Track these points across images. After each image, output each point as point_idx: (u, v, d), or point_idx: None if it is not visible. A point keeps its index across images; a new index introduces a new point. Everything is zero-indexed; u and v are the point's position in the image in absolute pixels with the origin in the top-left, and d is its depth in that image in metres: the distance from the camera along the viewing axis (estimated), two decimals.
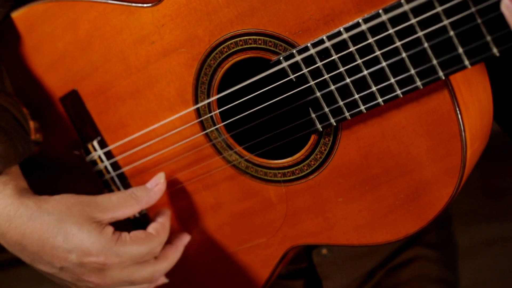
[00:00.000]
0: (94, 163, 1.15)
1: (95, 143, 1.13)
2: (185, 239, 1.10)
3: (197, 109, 1.03)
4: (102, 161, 1.14)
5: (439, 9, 0.78)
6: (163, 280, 1.10)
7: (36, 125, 1.12)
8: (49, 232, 0.99)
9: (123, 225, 1.06)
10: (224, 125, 1.03)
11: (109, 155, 1.14)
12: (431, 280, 1.38)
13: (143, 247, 1.01)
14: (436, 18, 0.79)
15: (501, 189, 2.91)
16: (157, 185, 1.06)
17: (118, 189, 1.15)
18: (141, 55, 1.04)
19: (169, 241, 1.08)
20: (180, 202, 1.12)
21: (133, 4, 1.03)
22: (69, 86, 1.13)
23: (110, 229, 1.00)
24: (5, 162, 1.02)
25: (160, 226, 1.06)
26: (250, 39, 0.94)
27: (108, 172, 1.15)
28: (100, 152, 1.14)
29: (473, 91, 0.91)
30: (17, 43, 1.15)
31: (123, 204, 1.02)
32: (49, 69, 1.14)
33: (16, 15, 1.14)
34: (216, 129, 1.03)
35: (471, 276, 1.51)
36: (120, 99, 1.09)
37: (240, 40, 0.95)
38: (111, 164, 1.14)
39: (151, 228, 1.05)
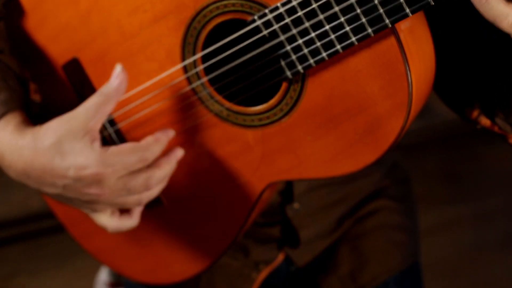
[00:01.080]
0: None
1: None
2: (178, 152, 1.20)
3: (184, 66, 1.22)
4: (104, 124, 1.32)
5: None
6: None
7: (35, 87, 1.29)
8: (47, 156, 1.10)
9: None
10: (208, 79, 1.22)
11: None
12: (393, 228, 1.57)
13: (132, 155, 1.12)
14: None
15: (459, 174, 3.12)
16: (118, 75, 1.13)
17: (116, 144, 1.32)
18: (135, 23, 1.22)
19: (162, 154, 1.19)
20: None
21: None
22: (70, 55, 1.31)
23: (98, 142, 1.11)
24: (9, 106, 1.16)
25: (153, 138, 1.16)
26: (229, 3, 1.13)
27: (105, 128, 1.33)
28: None
29: (416, 41, 1.10)
30: (22, 20, 1.32)
31: (98, 104, 1.11)
32: (52, 41, 1.31)
33: None
34: (201, 83, 1.22)
35: (430, 253, 1.68)
36: (116, 63, 1.27)
37: (221, 5, 1.14)
38: (109, 121, 1.32)
39: (144, 140, 1.16)
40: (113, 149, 1.12)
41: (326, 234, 1.55)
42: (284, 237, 1.52)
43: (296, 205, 1.47)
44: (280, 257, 1.55)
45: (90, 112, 1.11)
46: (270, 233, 1.52)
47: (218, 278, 1.55)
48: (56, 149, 1.10)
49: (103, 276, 2.34)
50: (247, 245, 1.53)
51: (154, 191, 1.19)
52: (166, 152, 1.20)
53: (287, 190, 1.40)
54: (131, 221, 1.25)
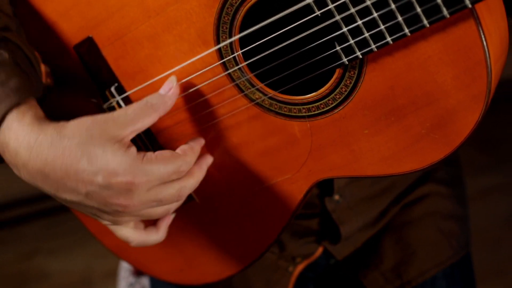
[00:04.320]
0: (112, 109, 1.20)
1: (112, 89, 1.19)
2: (208, 159, 1.14)
3: (219, 49, 1.09)
4: (120, 106, 1.20)
5: None
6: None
7: (47, 70, 1.16)
8: (72, 157, 0.99)
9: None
10: (247, 64, 1.09)
11: (127, 101, 1.19)
12: (443, 216, 1.46)
13: (169, 165, 1.03)
14: None
15: (495, 140, 3.00)
16: (170, 89, 1.08)
17: (138, 135, 1.20)
18: None
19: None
20: (204, 143, 1.18)
21: None
22: (84, 33, 1.17)
23: (134, 149, 1.01)
24: (21, 94, 1.03)
25: (188, 147, 1.09)
26: None
27: None
28: (118, 98, 1.19)
29: (493, 18, 0.97)
30: None
31: (140, 114, 1.03)
32: (62, 17, 1.17)
33: None
34: (239, 68, 1.09)
35: (471, 223, 1.59)
36: (138, 43, 1.14)
37: None
38: None
39: (179, 149, 1.08)
40: (150, 157, 1.02)
41: (369, 225, 1.44)
42: (323, 230, 1.41)
43: (336, 197, 1.36)
44: (319, 251, 1.44)
45: (130, 119, 1.02)
46: (308, 225, 1.41)
47: (252, 272, 1.45)
48: (84, 150, 0.99)
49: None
50: (283, 238, 1.42)
51: (183, 200, 1.10)
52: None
53: (326, 181, 1.28)
54: (158, 235, 1.16)
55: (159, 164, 1.02)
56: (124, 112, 1.02)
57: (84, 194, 1.02)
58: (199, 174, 1.10)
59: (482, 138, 2.94)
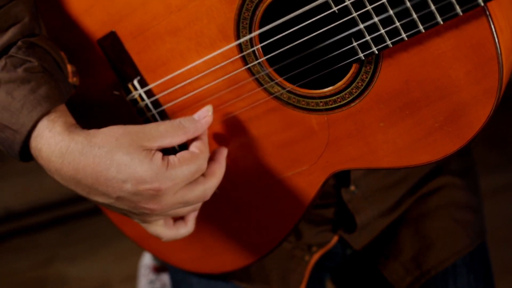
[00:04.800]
0: (135, 102, 1.25)
1: (135, 82, 1.23)
2: (224, 152, 1.19)
3: (239, 44, 1.13)
4: (142, 99, 1.24)
5: None
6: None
7: (73, 69, 1.21)
8: (102, 165, 1.05)
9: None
10: (267, 59, 1.13)
11: (149, 93, 1.23)
12: (459, 206, 1.50)
13: (191, 166, 1.09)
14: None
15: (506, 139, 3.01)
16: (205, 117, 1.14)
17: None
18: None
19: (210, 158, 1.17)
20: (223, 135, 1.22)
21: None
22: (107, 28, 1.21)
23: (159, 155, 1.07)
24: (52, 101, 1.09)
25: (201, 143, 1.14)
26: None
27: (149, 110, 1.25)
28: (140, 90, 1.24)
29: (504, 14, 1.01)
30: None
31: (170, 133, 1.09)
32: (86, 12, 1.22)
33: None
34: (259, 63, 1.13)
35: None
36: (159, 38, 1.18)
37: None
38: (152, 102, 1.24)
39: (193, 147, 1.13)
40: (173, 161, 1.08)
41: (384, 214, 1.48)
42: (339, 220, 1.46)
43: (352, 187, 1.40)
44: (334, 240, 1.48)
45: (160, 134, 1.08)
46: (324, 214, 1.45)
47: (269, 261, 1.49)
48: (113, 159, 1.05)
49: (147, 260, 2.30)
50: (299, 227, 1.46)
51: (208, 199, 1.16)
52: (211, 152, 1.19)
53: (343, 172, 1.32)
54: (187, 229, 1.22)
55: (182, 167, 1.08)
56: (156, 127, 1.09)
57: (115, 198, 1.09)
58: (220, 172, 1.16)
59: (494, 137, 2.96)
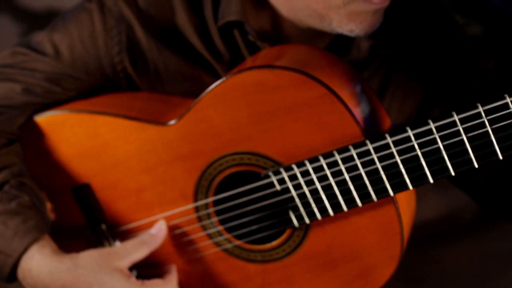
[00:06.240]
0: (100, 243, 1.51)
1: (103, 226, 1.50)
2: (173, 270, 1.46)
3: (196, 206, 1.42)
4: (108, 242, 1.51)
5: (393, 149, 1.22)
6: None
7: (50, 206, 1.47)
8: (86, 283, 1.33)
9: None
10: (218, 219, 1.41)
11: (115, 237, 1.50)
12: None
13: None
14: (390, 155, 1.22)
15: (418, 277, 3.24)
16: (160, 230, 1.41)
17: None
18: (151, 161, 1.40)
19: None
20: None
21: (149, 122, 1.39)
22: (82, 179, 1.48)
23: (133, 277, 1.35)
24: (40, 230, 1.37)
25: (171, 275, 1.42)
26: (245, 157, 1.33)
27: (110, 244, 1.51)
28: (107, 234, 1.50)
29: (407, 200, 1.33)
30: (37, 141, 1.47)
31: (136, 248, 1.37)
32: (64, 164, 1.47)
33: (39, 119, 1.48)
34: (211, 222, 1.42)
35: None
36: (127, 193, 1.45)
37: (237, 157, 1.34)
38: (112, 235, 1.50)
39: (165, 276, 1.41)
40: (147, 283, 1.35)
41: None
42: None
43: None
44: None
45: (128, 252, 1.35)
46: None
47: None
48: (95, 277, 1.32)
49: None
50: None
51: None
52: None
53: None
54: None
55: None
56: (124, 247, 1.37)
57: None
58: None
59: (407, 275, 3.12)
